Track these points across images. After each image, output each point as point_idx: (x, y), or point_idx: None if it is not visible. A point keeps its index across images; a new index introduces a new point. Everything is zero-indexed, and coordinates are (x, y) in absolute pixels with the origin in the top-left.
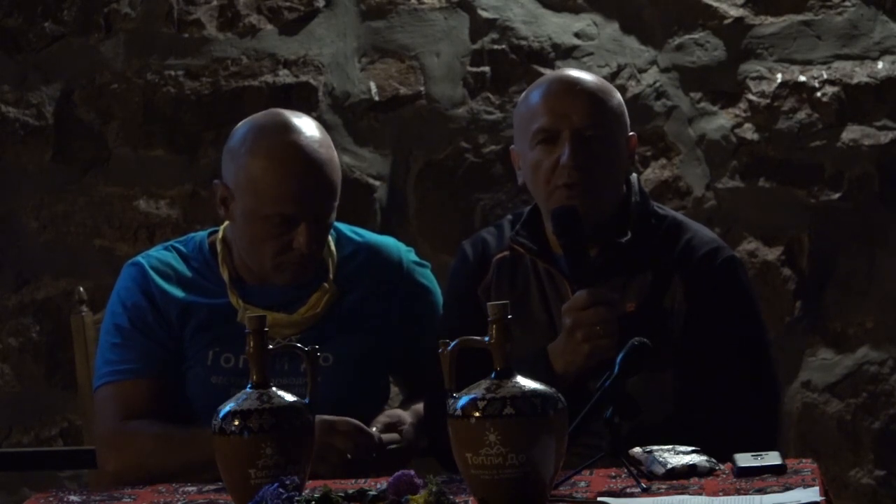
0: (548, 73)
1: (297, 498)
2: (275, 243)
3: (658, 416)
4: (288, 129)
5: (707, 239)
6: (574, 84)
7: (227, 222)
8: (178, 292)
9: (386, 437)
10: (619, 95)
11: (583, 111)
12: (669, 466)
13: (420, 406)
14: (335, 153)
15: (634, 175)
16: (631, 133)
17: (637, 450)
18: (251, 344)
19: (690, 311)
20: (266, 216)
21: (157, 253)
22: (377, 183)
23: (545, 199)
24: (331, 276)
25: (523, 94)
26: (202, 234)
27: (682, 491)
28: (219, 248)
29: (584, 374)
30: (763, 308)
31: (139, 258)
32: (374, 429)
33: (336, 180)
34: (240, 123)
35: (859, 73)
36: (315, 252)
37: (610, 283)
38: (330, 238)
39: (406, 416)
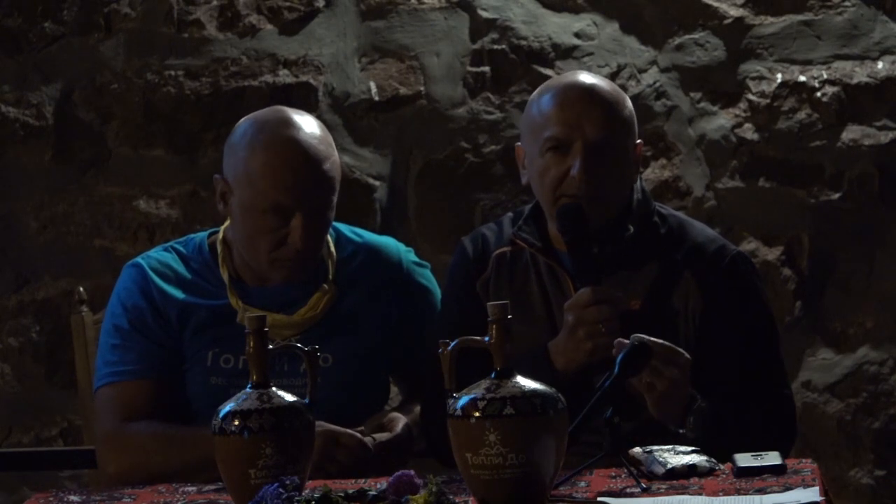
0: (558, 74)
1: (297, 498)
2: (271, 238)
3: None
4: (288, 124)
5: (713, 237)
6: (589, 93)
7: (227, 223)
8: (177, 293)
9: (378, 435)
10: (630, 103)
11: (597, 123)
12: (669, 466)
13: (418, 408)
14: (335, 152)
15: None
16: (638, 140)
17: (637, 450)
18: (251, 344)
19: (707, 309)
20: (263, 209)
21: (157, 254)
22: (377, 183)
23: (550, 204)
24: (330, 276)
25: (535, 93)
26: (202, 234)
27: (682, 491)
28: (219, 248)
29: (585, 371)
30: None
31: (139, 259)
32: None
33: (334, 176)
34: (242, 119)
35: (859, 73)
36: (311, 249)
37: (614, 279)
38: (329, 239)
39: (402, 418)
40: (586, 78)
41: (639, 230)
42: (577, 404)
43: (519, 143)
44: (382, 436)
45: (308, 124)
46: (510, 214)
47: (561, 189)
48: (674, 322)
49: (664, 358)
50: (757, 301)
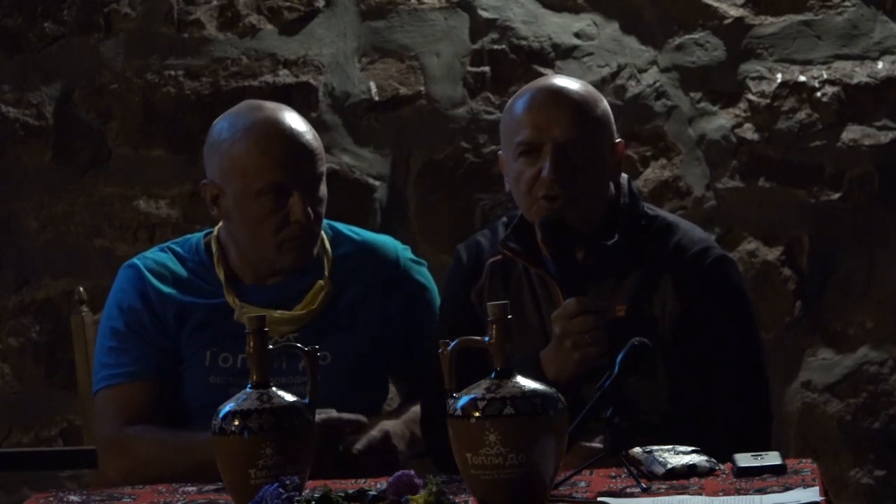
0: (538, 79)
1: (297, 498)
2: (273, 220)
3: (654, 417)
4: (261, 108)
5: (697, 238)
6: (557, 95)
7: (220, 224)
8: (174, 293)
9: (347, 416)
10: (604, 103)
11: (565, 124)
12: (669, 466)
13: (417, 408)
14: (311, 127)
15: (625, 176)
16: (618, 140)
17: (637, 450)
18: (251, 344)
19: (682, 312)
20: (258, 192)
21: (154, 254)
22: (377, 183)
23: (527, 209)
24: (326, 272)
25: (509, 101)
26: (198, 234)
27: (682, 491)
28: (213, 248)
29: (575, 380)
30: (763, 308)
31: (135, 260)
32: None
33: (319, 147)
34: (215, 121)
35: (859, 73)
36: (314, 224)
37: (599, 286)
38: (325, 236)
39: (396, 428)
40: (556, 81)
41: (624, 236)
42: (571, 412)
43: (500, 152)
44: (352, 416)
45: (279, 105)
46: (504, 219)
47: (535, 190)
48: (654, 328)
49: None
50: (735, 305)
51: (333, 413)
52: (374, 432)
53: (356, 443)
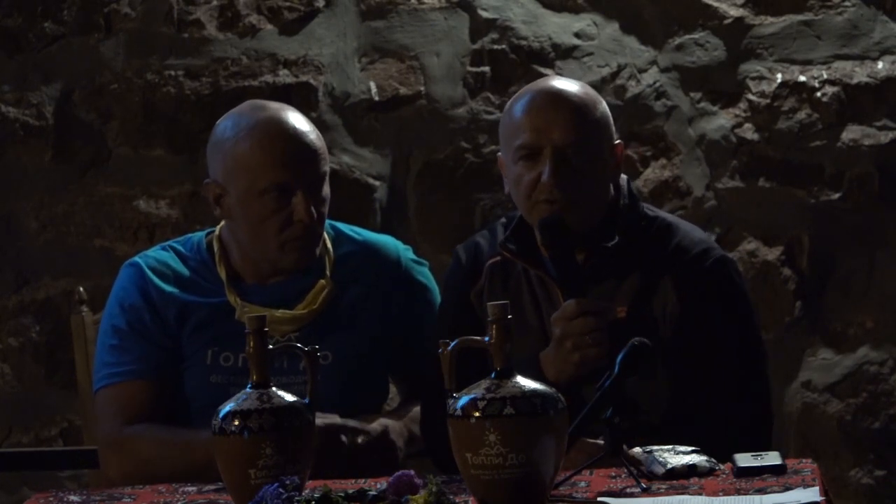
0: (557, 74)
1: (297, 498)
2: (276, 219)
3: (654, 417)
4: (264, 108)
5: (697, 239)
6: (556, 98)
7: (221, 223)
8: (176, 292)
9: (350, 422)
10: (604, 105)
11: (565, 127)
12: (669, 466)
13: (417, 408)
14: (315, 127)
15: (625, 177)
16: (617, 141)
17: (637, 450)
18: (251, 344)
19: (683, 313)
20: (261, 191)
21: (155, 253)
22: (377, 183)
23: (527, 212)
24: (327, 272)
25: (508, 102)
26: (200, 234)
27: (682, 491)
28: (215, 247)
29: (575, 381)
30: (763, 308)
31: (137, 258)
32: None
33: (322, 147)
34: (217, 121)
35: (859, 73)
36: (317, 224)
37: (600, 288)
38: (327, 235)
39: (395, 425)
40: (555, 83)
41: (624, 237)
42: (570, 413)
43: (500, 154)
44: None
45: (282, 105)
46: (503, 220)
47: (535, 194)
48: (654, 329)
49: None
50: (736, 306)
51: (337, 419)
52: (375, 425)
53: (357, 437)
